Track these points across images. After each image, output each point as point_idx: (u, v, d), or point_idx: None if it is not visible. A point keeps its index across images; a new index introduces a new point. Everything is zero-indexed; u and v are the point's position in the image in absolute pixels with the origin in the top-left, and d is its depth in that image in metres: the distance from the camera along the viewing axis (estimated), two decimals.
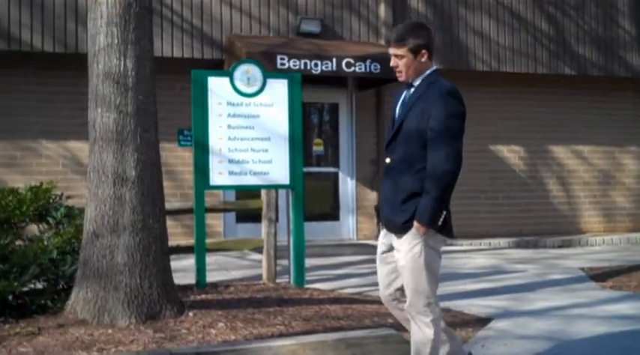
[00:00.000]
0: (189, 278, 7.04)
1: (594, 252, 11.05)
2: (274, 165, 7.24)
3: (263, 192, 7.60)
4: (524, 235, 12.57)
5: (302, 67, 10.43)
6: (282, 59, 10.42)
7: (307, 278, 7.51)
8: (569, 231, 13.20)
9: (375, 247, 4.36)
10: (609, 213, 13.71)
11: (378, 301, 5.80)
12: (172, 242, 6.61)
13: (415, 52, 3.94)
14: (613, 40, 13.28)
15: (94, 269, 5.41)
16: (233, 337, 5.11)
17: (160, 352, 4.71)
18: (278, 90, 7.30)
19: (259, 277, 7.67)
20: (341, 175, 12.12)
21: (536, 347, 5.17)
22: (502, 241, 11.96)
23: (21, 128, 10.53)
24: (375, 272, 4.33)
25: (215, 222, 11.07)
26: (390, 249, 4.03)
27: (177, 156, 11.02)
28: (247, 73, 7.23)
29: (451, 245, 11.37)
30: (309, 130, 12.23)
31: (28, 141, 10.60)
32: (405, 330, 4.15)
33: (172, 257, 6.05)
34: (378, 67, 10.52)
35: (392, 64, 4.03)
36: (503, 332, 5.60)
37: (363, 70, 10.75)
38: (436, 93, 3.88)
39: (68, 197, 6.92)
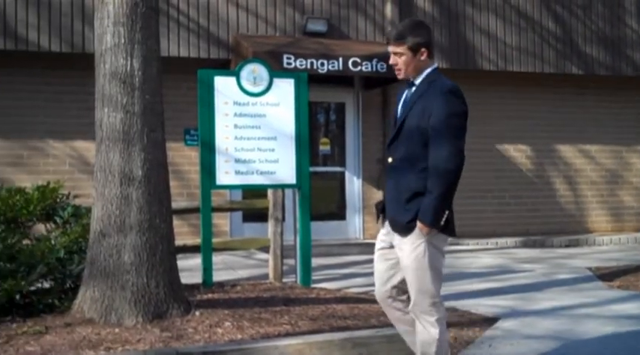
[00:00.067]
0: (196, 278, 7.05)
1: (602, 252, 11.02)
2: (281, 165, 7.24)
3: (269, 192, 7.60)
4: (531, 234, 12.55)
5: (308, 66, 10.43)
6: (288, 59, 10.42)
7: (314, 277, 7.51)
8: (576, 231, 13.17)
9: None
10: (617, 212, 13.68)
11: None
12: (179, 241, 6.61)
13: (414, 50, 3.94)
14: (620, 40, 13.25)
15: (100, 269, 5.42)
16: (240, 336, 5.11)
17: (167, 351, 4.71)
18: (284, 89, 7.30)
19: (266, 276, 7.68)
20: (347, 175, 12.12)
21: (543, 347, 5.15)
22: (509, 240, 11.94)
23: (28, 128, 10.56)
24: None
25: (222, 222, 11.08)
26: (391, 246, 4.01)
27: (183, 156, 11.04)
28: (254, 72, 7.23)
29: (457, 244, 11.37)
30: (316, 130, 12.23)
31: (35, 140, 10.63)
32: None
33: (179, 256, 6.05)
34: (385, 66, 10.51)
35: (391, 61, 4.02)
36: (510, 332, 5.59)
37: (369, 69, 10.75)
38: (437, 91, 3.87)
39: (75, 196, 6.93)
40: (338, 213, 12.14)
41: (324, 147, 12.17)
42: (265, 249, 8.03)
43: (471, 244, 11.59)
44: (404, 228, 3.89)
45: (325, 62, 10.59)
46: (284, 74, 8.01)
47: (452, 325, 5.65)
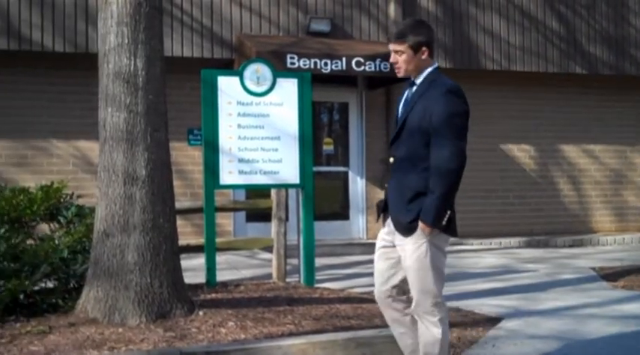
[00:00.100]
0: (200, 278, 7.05)
1: (605, 252, 11.01)
2: (284, 165, 7.24)
3: (273, 192, 7.60)
4: (534, 234, 12.53)
5: (312, 66, 10.43)
6: (291, 58, 10.41)
7: (317, 277, 7.51)
8: (580, 231, 13.15)
9: None
10: (621, 212, 13.66)
11: None
12: (182, 241, 6.61)
13: (415, 48, 3.94)
14: (624, 39, 13.22)
15: (104, 269, 5.42)
16: (243, 336, 5.11)
17: (171, 351, 4.72)
18: (288, 89, 7.30)
19: (269, 276, 7.68)
20: (351, 174, 12.12)
21: (547, 347, 5.15)
22: (512, 240, 11.93)
23: (32, 128, 10.58)
24: None
25: (225, 222, 11.08)
26: (392, 245, 4.00)
27: (187, 156, 11.04)
28: (257, 72, 7.23)
29: (461, 244, 11.36)
30: (319, 129, 12.23)
31: (39, 140, 10.64)
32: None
33: (182, 256, 6.05)
34: (388, 66, 10.49)
35: (391, 60, 4.02)
36: (514, 332, 5.58)
37: (372, 69, 10.74)
38: (438, 91, 3.86)
39: (79, 196, 6.94)
40: (341, 212, 12.13)
41: (328, 146, 12.17)
42: (269, 248, 8.03)
43: (474, 244, 11.58)
44: (406, 228, 3.88)
45: (329, 62, 10.59)
46: (287, 74, 8.01)
47: (455, 325, 5.64)
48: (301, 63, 10.42)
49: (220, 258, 8.14)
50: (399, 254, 3.95)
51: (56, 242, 6.09)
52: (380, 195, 11.84)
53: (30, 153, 10.61)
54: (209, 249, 6.99)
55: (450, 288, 7.24)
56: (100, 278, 5.42)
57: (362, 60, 10.70)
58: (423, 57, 3.96)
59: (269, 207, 7.65)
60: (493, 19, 12.41)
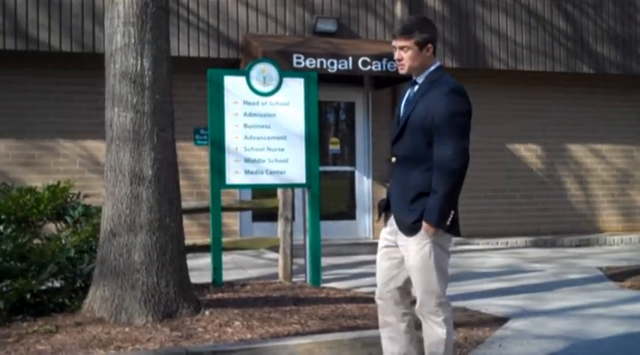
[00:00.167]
0: (206, 277, 7.06)
1: (612, 252, 10.98)
2: (290, 164, 7.24)
3: (279, 191, 7.61)
4: (541, 234, 12.50)
5: (318, 65, 10.43)
6: (298, 58, 10.42)
7: (323, 277, 7.51)
8: (587, 230, 13.12)
9: None
10: (628, 212, 13.61)
11: None
12: (189, 241, 6.63)
13: (421, 45, 3.92)
14: (631, 38, 13.18)
15: (111, 268, 5.43)
16: (249, 336, 5.12)
17: (177, 350, 4.72)
18: (294, 89, 7.31)
19: (275, 276, 7.68)
20: (357, 174, 12.11)
21: (553, 347, 5.14)
22: (519, 240, 11.91)
23: (38, 128, 10.60)
24: None
25: (231, 221, 11.08)
26: (395, 244, 3.97)
27: (193, 155, 11.05)
28: (263, 72, 7.23)
29: (468, 244, 11.35)
30: (326, 129, 12.22)
31: (46, 140, 10.67)
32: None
33: (189, 256, 6.06)
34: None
35: (396, 56, 3.98)
36: (521, 332, 5.57)
37: (379, 68, 10.74)
38: (440, 90, 3.84)
39: (85, 196, 6.96)
40: (348, 212, 12.13)
41: (334, 146, 12.16)
42: (275, 248, 8.03)
43: (481, 244, 11.57)
44: (409, 229, 3.85)
45: (335, 61, 10.59)
46: (294, 74, 8.01)
47: (462, 325, 5.64)
48: (307, 62, 10.42)
49: (226, 258, 8.14)
50: (402, 254, 3.93)
51: (63, 241, 6.11)
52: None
53: (37, 153, 10.63)
54: (215, 249, 7.00)
55: (456, 288, 7.23)
56: (107, 277, 5.43)
57: (368, 59, 10.70)
58: (428, 54, 3.94)
59: (275, 206, 7.65)
60: (500, 19, 12.38)
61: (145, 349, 4.77)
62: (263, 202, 8.51)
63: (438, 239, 3.85)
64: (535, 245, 11.76)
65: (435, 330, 3.92)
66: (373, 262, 4.19)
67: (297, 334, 5.19)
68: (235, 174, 7.11)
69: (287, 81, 7.31)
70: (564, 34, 12.77)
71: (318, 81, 7.45)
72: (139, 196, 5.44)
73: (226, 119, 7.08)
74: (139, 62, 5.49)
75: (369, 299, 6.49)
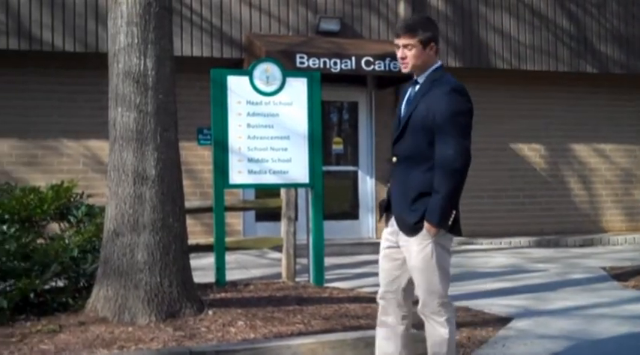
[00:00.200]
0: (209, 277, 7.06)
1: (616, 251, 10.96)
2: (294, 164, 7.24)
3: (282, 191, 7.61)
4: (545, 234, 12.49)
5: (321, 65, 10.43)
6: (301, 58, 10.42)
7: (326, 277, 7.51)
8: (590, 230, 13.10)
9: None
10: (631, 211, 13.59)
11: None
12: (192, 240, 6.63)
13: (425, 43, 3.91)
14: (635, 38, 13.16)
15: (114, 268, 5.43)
16: (252, 335, 5.12)
17: (180, 350, 4.72)
18: (297, 89, 7.30)
19: (279, 276, 7.69)
20: (360, 174, 12.11)
21: (557, 347, 5.13)
22: (523, 240, 11.89)
23: (42, 127, 10.62)
24: None
25: (234, 221, 11.09)
26: (397, 245, 3.95)
27: (196, 155, 11.06)
28: (266, 71, 7.23)
29: (471, 244, 11.34)
30: (329, 129, 12.22)
31: (49, 140, 10.68)
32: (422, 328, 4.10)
33: (192, 255, 6.07)
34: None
35: (400, 54, 3.96)
36: (524, 332, 5.56)
37: (382, 68, 10.74)
38: (442, 90, 3.83)
39: (89, 196, 6.96)
40: (351, 212, 12.13)
41: (337, 146, 12.16)
42: (278, 248, 8.03)
43: (484, 244, 11.56)
44: (411, 229, 3.84)
45: (338, 61, 10.59)
46: (297, 73, 8.01)
47: (465, 325, 5.64)
48: (311, 62, 10.42)
49: (230, 258, 8.15)
50: (404, 256, 3.92)
51: (66, 241, 6.11)
52: None
53: (40, 153, 10.65)
54: (218, 249, 7.00)
55: (459, 288, 7.23)
56: (110, 277, 5.44)
57: (371, 59, 10.70)
58: (431, 53, 3.94)
59: (278, 206, 7.65)
60: (503, 18, 12.37)
61: (149, 348, 4.77)
62: (266, 202, 8.52)
63: (440, 239, 3.84)
64: (538, 245, 11.75)
65: (437, 330, 3.91)
66: (376, 262, 4.18)
67: (300, 334, 5.19)
68: (238, 173, 7.11)
69: (290, 81, 7.30)
70: (568, 33, 12.75)
71: (321, 81, 7.45)
72: (143, 196, 5.44)
73: (229, 119, 7.08)
74: (142, 62, 5.49)
75: (372, 299, 6.47)
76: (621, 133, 13.51)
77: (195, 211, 7.95)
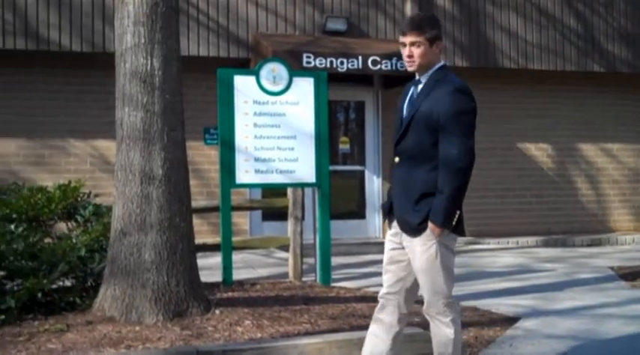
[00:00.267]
0: (216, 276, 7.07)
1: (624, 251, 10.93)
2: (300, 164, 7.24)
3: (289, 191, 7.61)
4: (552, 234, 12.46)
5: (328, 65, 10.43)
6: (308, 57, 10.42)
7: (333, 276, 7.50)
8: (598, 230, 13.06)
9: None
10: (639, 211, 13.55)
11: None
12: (199, 240, 6.63)
13: (432, 41, 3.89)
14: None
15: (121, 267, 5.44)
16: (259, 335, 5.12)
17: (187, 349, 4.73)
18: (304, 88, 7.30)
19: (285, 275, 7.69)
20: (367, 173, 12.10)
21: (564, 347, 5.12)
22: (530, 240, 11.87)
23: (49, 127, 10.64)
24: None
25: (241, 221, 11.09)
26: (401, 246, 3.93)
27: (203, 155, 11.07)
28: (273, 71, 7.24)
29: (478, 243, 11.32)
30: (335, 128, 12.22)
31: (57, 140, 10.70)
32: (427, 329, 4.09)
33: (199, 255, 6.07)
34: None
35: (407, 53, 3.93)
36: (532, 332, 5.55)
37: (389, 67, 10.73)
38: (445, 90, 3.81)
39: (96, 195, 6.98)
40: (357, 211, 12.12)
41: (344, 145, 12.16)
42: (285, 247, 8.04)
43: (491, 243, 11.53)
44: (414, 230, 3.81)
45: (345, 61, 10.59)
46: (303, 73, 8.01)
47: (472, 324, 5.63)
48: (317, 62, 10.42)
49: (237, 257, 8.15)
50: (409, 256, 3.90)
51: (74, 241, 6.13)
52: None
53: (47, 153, 10.67)
54: (225, 248, 7.00)
55: (466, 287, 7.22)
56: (117, 276, 5.44)
57: (378, 59, 10.69)
58: (437, 51, 3.92)
59: (285, 206, 7.65)
60: (510, 17, 12.35)
61: (156, 348, 4.78)
62: (273, 201, 8.52)
63: (444, 239, 3.81)
64: (546, 244, 11.72)
65: (442, 330, 3.90)
66: (382, 261, 4.16)
67: (307, 333, 5.19)
68: (245, 173, 7.11)
69: (297, 80, 7.30)
70: (575, 32, 12.72)
71: (327, 80, 7.45)
72: (150, 195, 5.45)
73: (236, 118, 7.08)
74: (149, 62, 5.50)
75: None
76: (629, 133, 13.47)
77: (202, 211, 7.96)
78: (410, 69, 3.98)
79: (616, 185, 13.44)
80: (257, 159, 7.14)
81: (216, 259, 7.47)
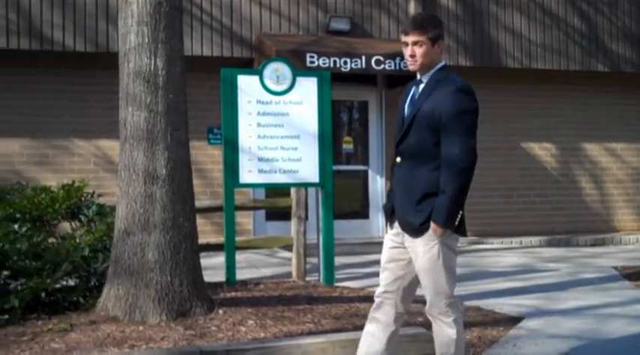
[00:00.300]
0: (219, 276, 7.07)
1: (628, 251, 10.91)
2: (304, 163, 7.24)
3: (292, 190, 7.61)
4: (556, 233, 12.45)
5: (331, 65, 10.43)
6: (311, 57, 10.42)
7: (337, 276, 7.50)
8: (602, 230, 13.05)
9: None
10: None
11: None
12: (202, 240, 6.64)
13: (434, 41, 3.88)
14: None
15: (125, 267, 5.45)
16: (263, 335, 5.12)
17: (190, 349, 4.73)
18: (307, 88, 7.30)
19: (289, 275, 7.69)
20: (370, 173, 12.10)
21: (568, 347, 5.11)
22: (534, 239, 11.86)
23: (53, 127, 10.66)
24: None
25: (245, 220, 11.10)
26: (401, 246, 3.91)
27: (207, 155, 11.08)
28: (277, 71, 7.24)
29: (482, 243, 11.31)
30: (339, 128, 12.22)
31: (60, 139, 10.72)
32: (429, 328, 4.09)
33: (202, 255, 6.07)
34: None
35: (409, 52, 3.92)
36: (535, 332, 5.54)
37: (392, 67, 10.73)
38: (447, 90, 3.79)
39: (100, 195, 6.98)
40: (361, 211, 12.12)
41: (348, 145, 12.16)
42: (288, 247, 8.03)
43: (495, 243, 11.53)
44: (416, 230, 3.79)
45: (348, 61, 10.59)
46: (307, 73, 8.01)
47: (476, 324, 5.62)
48: (321, 62, 10.43)
49: (240, 257, 8.16)
50: (409, 256, 3.87)
51: (77, 240, 6.13)
52: None
53: (51, 152, 10.69)
54: (229, 248, 7.01)
55: (470, 287, 7.21)
56: (121, 276, 5.45)
57: (381, 58, 10.69)
58: (439, 50, 3.92)
59: (289, 205, 7.66)
60: (514, 17, 12.34)
61: (159, 347, 4.78)
62: (276, 201, 8.52)
63: (446, 239, 3.80)
64: (549, 244, 11.71)
65: (445, 330, 3.89)
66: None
67: (310, 333, 5.19)
68: (249, 173, 7.11)
69: (300, 80, 7.30)
70: (579, 32, 12.70)
71: (331, 80, 7.44)
72: (153, 195, 5.46)
73: (240, 118, 7.08)
74: (153, 61, 5.51)
75: None
76: (633, 132, 13.45)
77: (206, 210, 7.96)
78: (412, 68, 3.97)
79: (620, 185, 13.42)
80: (260, 159, 7.14)
81: (220, 259, 7.48)
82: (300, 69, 8.71)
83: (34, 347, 4.78)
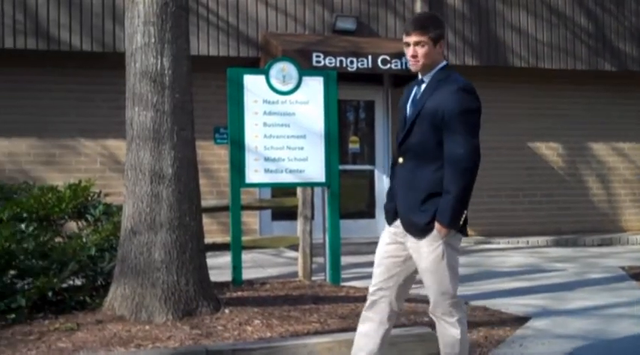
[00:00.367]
0: (226, 276, 7.07)
1: (635, 251, 10.88)
2: (310, 163, 7.24)
3: (299, 190, 7.61)
4: (563, 233, 12.43)
5: (338, 64, 10.43)
6: (317, 57, 10.42)
7: (343, 275, 7.50)
8: (609, 229, 13.01)
9: None
10: None
11: (413, 299, 5.78)
12: (208, 239, 6.64)
13: (435, 41, 3.87)
14: None
15: (131, 266, 5.46)
16: (269, 334, 5.12)
17: (197, 348, 4.73)
18: (314, 87, 7.30)
19: (295, 275, 7.69)
20: (377, 173, 12.09)
21: (574, 347, 5.10)
22: (540, 239, 11.84)
23: (60, 127, 10.68)
24: None
25: (251, 220, 11.11)
26: (399, 243, 3.91)
27: (213, 154, 11.09)
28: (283, 70, 7.24)
29: (488, 243, 11.29)
30: (345, 128, 12.22)
31: (67, 139, 10.74)
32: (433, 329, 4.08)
33: (208, 254, 6.08)
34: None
35: (411, 52, 3.90)
36: (542, 332, 5.53)
37: (398, 66, 10.72)
38: (449, 89, 3.78)
39: (106, 194, 6.99)
40: (367, 211, 12.12)
41: (354, 145, 12.16)
42: (294, 247, 8.04)
43: (501, 243, 11.51)
44: (421, 230, 3.78)
45: (354, 60, 10.58)
46: (313, 72, 8.00)
47: (482, 324, 5.62)
48: (327, 61, 10.42)
49: (246, 256, 8.16)
50: (410, 254, 3.86)
51: (84, 240, 6.14)
52: None
53: (58, 152, 10.71)
54: (235, 247, 7.01)
55: (476, 287, 7.20)
56: (127, 275, 5.46)
57: (388, 58, 10.68)
58: (440, 50, 3.91)
59: (295, 205, 7.66)
60: (520, 16, 12.31)
61: (165, 347, 4.79)
62: (282, 201, 8.52)
63: (450, 239, 3.79)
64: (556, 244, 11.69)
65: (449, 331, 3.88)
66: None
67: (316, 332, 5.19)
68: (255, 172, 7.12)
69: (306, 79, 7.30)
70: (586, 31, 12.67)
71: (337, 79, 7.44)
72: (160, 195, 5.46)
73: (246, 118, 7.09)
74: (159, 61, 5.51)
75: None
76: None
77: (212, 210, 7.96)
78: (413, 69, 3.96)
79: (627, 184, 13.38)
80: (267, 159, 7.14)
81: (226, 258, 7.48)
82: (306, 68, 8.70)
83: (40, 346, 4.79)
